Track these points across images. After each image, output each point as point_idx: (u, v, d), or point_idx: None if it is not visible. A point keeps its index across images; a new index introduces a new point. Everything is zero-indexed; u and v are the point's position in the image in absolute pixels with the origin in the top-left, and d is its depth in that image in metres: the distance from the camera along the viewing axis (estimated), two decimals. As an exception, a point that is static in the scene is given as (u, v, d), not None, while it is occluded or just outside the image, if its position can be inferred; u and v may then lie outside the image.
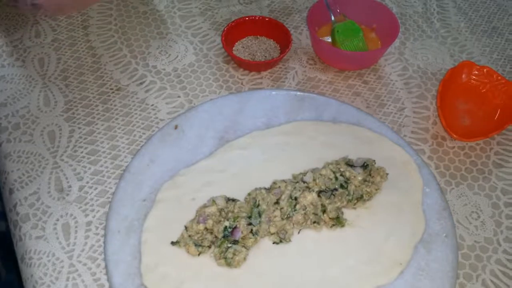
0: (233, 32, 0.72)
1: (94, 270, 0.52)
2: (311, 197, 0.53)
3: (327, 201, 0.53)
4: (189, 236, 0.51)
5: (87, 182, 0.58)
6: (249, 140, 0.61)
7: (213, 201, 0.52)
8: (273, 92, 0.66)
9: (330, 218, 0.53)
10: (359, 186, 0.55)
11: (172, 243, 0.51)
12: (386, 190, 0.56)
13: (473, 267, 0.54)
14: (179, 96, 0.68)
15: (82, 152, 0.61)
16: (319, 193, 0.53)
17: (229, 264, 0.49)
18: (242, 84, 0.70)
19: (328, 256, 0.52)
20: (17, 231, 0.55)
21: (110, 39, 0.74)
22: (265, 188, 0.55)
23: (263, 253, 0.51)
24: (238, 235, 0.50)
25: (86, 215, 0.56)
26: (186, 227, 0.51)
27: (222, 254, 0.50)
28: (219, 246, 0.50)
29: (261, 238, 0.52)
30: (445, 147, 0.64)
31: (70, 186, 0.58)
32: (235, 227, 0.50)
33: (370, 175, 0.56)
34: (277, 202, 0.53)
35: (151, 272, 0.49)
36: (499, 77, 0.67)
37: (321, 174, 0.55)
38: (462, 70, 0.69)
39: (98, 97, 0.67)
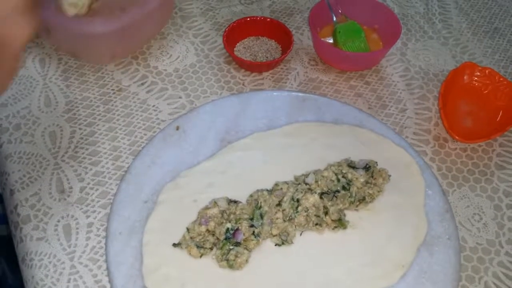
0: (234, 33, 0.72)
1: (95, 271, 0.51)
2: (313, 199, 0.53)
3: (329, 203, 0.53)
4: (191, 238, 0.50)
5: (88, 183, 0.58)
6: (250, 142, 0.60)
7: (214, 202, 0.52)
8: (275, 93, 0.66)
9: (332, 220, 0.53)
10: (361, 188, 0.54)
11: (174, 245, 0.51)
12: (388, 192, 0.56)
13: (476, 270, 0.54)
14: (180, 97, 0.67)
15: (83, 153, 0.61)
16: (321, 195, 0.53)
17: (231, 266, 0.49)
18: (243, 85, 0.69)
19: (330, 258, 0.52)
20: (18, 232, 0.55)
21: (111, 39, 0.74)
22: (267, 190, 0.55)
23: (265, 255, 0.51)
24: (240, 237, 0.50)
25: (87, 217, 0.55)
26: (188, 229, 0.51)
27: (224, 256, 0.49)
28: (221, 248, 0.50)
29: (263, 240, 0.52)
30: (447, 149, 0.64)
31: (71, 187, 0.58)
32: (237, 229, 0.50)
33: (372, 177, 0.56)
34: (279, 204, 0.53)
35: (153, 273, 0.49)
36: (501, 79, 0.67)
37: (323, 176, 0.55)
38: (464, 71, 0.69)
39: (99, 97, 0.66)
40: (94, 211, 0.56)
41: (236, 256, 0.49)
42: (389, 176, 0.56)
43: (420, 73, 0.73)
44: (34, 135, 0.62)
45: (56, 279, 0.51)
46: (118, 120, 0.64)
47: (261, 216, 0.52)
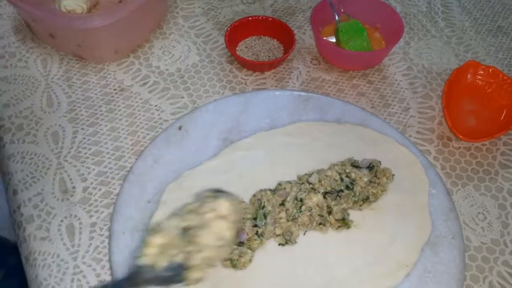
0: (236, 32, 0.72)
1: (98, 271, 0.51)
2: (317, 198, 0.52)
3: (333, 203, 0.53)
4: (194, 237, 0.50)
5: (91, 183, 0.58)
6: (253, 141, 0.60)
7: (218, 202, 0.52)
8: (277, 93, 0.66)
9: (335, 220, 0.52)
10: (365, 187, 0.54)
11: (177, 245, 0.51)
12: (392, 191, 0.56)
13: (480, 269, 0.54)
14: (182, 97, 0.67)
15: (86, 153, 0.61)
16: (325, 194, 0.53)
17: (234, 266, 0.49)
18: (245, 84, 0.69)
19: (334, 258, 0.51)
20: (21, 232, 0.55)
21: (113, 39, 0.74)
22: (270, 190, 0.54)
23: (269, 255, 0.51)
24: (243, 237, 0.50)
25: (91, 216, 0.55)
26: (191, 229, 0.51)
27: (228, 256, 0.49)
28: (225, 248, 0.50)
29: (267, 240, 0.52)
30: (451, 148, 0.64)
31: (74, 187, 0.58)
32: (241, 229, 0.50)
33: (376, 176, 0.55)
34: (282, 204, 0.53)
35: (156, 274, 0.49)
36: (505, 77, 0.67)
37: (326, 175, 0.54)
38: (468, 70, 0.68)
39: (101, 97, 0.66)
40: (97, 211, 0.56)
41: (239, 255, 0.49)
42: (393, 175, 0.56)
43: (423, 72, 0.73)
44: (36, 135, 0.62)
45: (60, 278, 0.51)
46: (120, 120, 0.64)
47: (265, 216, 0.52)
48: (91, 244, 0.53)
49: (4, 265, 0.82)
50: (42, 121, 0.64)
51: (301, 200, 0.52)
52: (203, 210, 0.44)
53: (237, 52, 0.71)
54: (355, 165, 0.56)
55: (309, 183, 0.54)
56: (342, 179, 0.54)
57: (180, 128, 0.61)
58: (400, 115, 0.67)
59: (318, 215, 0.52)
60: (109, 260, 0.51)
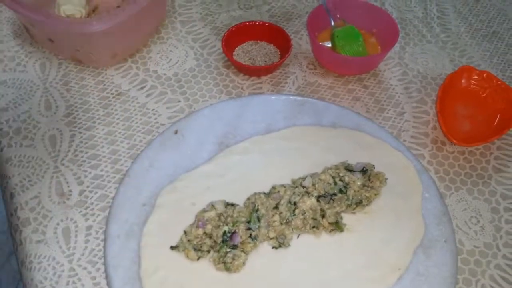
0: (233, 37, 0.72)
1: (94, 274, 0.52)
2: (310, 202, 0.53)
3: (326, 206, 0.53)
4: (188, 240, 0.51)
5: (88, 187, 0.58)
6: (248, 145, 0.61)
7: (212, 205, 0.53)
8: (273, 97, 0.66)
9: (329, 223, 0.53)
10: (358, 191, 0.55)
11: (172, 247, 0.51)
12: (385, 195, 0.57)
13: (473, 272, 0.54)
14: (179, 101, 0.68)
15: (82, 157, 0.61)
16: (318, 198, 0.53)
17: (228, 269, 0.50)
18: (242, 89, 0.70)
19: (327, 261, 0.52)
20: (18, 235, 0.55)
21: (111, 44, 0.75)
22: (264, 193, 0.55)
23: (262, 258, 0.52)
24: (237, 240, 0.50)
25: (87, 220, 0.56)
26: (185, 232, 0.52)
27: (221, 259, 0.50)
28: (218, 251, 0.50)
29: (260, 243, 0.52)
30: (444, 152, 0.64)
31: (70, 191, 0.58)
32: (234, 232, 0.51)
33: (369, 180, 0.56)
34: (276, 207, 0.53)
35: (151, 276, 0.50)
36: (499, 82, 0.67)
37: (320, 179, 0.55)
38: (462, 75, 0.69)
39: (99, 101, 0.67)
40: (93, 214, 0.56)
41: (233, 259, 0.49)
42: (386, 179, 0.56)
43: (418, 77, 0.73)
44: (34, 139, 0.63)
45: (55, 281, 0.51)
46: (117, 124, 0.65)
47: (258, 219, 0.52)
48: (86, 247, 0.54)
49: None
50: (40, 124, 0.64)
51: (295, 203, 0.53)
52: None
53: (234, 57, 0.72)
54: (348, 168, 0.56)
55: (303, 187, 0.55)
56: (335, 183, 0.55)
57: (176, 132, 0.62)
58: (395, 119, 0.68)
59: (312, 218, 0.53)
60: (104, 263, 0.51)
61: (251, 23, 0.74)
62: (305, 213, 0.53)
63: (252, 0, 0.83)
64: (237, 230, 0.51)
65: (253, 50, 0.74)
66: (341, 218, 0.54)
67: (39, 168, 0.60)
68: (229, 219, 0.52)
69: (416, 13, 0.83)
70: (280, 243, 0.52)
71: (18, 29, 0.76)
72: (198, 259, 0.51)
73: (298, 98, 0.67)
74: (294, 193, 0.54)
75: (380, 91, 0.71)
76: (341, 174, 0.55)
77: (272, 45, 0.74)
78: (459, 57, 0.77)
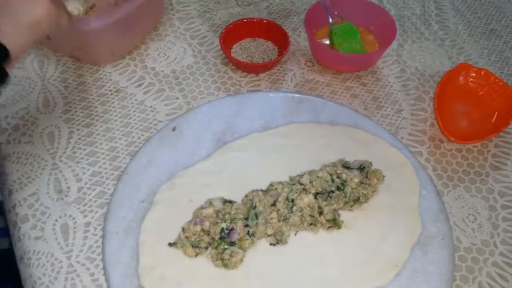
0: (231, 34, 0.72)
1: (92, 270, 0.52)
2: (308, 199, 0.53)
3: (324, 203, 0.53)
4: (186, 237, 0.51)
5: (86, 183, 0.59)
6: (246, 142, 0.61)
7: (210, 202, 0.53)
8: (271, 94, 0.67)
9: (326, 220, 0.53)
10: (355, 188, 0.55)
11: (170, 244, 0.51)
12: (382, 192, 0.57)
13: (470, 270, 0.54)
14: (177, 98, 0.68)
15: (81, 154, 0.61)
16: (316, 195, 0.54)
17: (226, 266, 0.50)
18: (240, 86, 0.70)
19: (325, 258, 0.52)
20: (16, 231, 0.55)
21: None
22: (262, 190, 0.55)
23: (260, 255, 0.52)
24: (234, 237, 0.50)
25: (85, 216, 0.56)
26: (183, 229, 0.52)
27: (219, 256, 0.50)
28: (216, 248, 0.50)
29: (258, 240, 0.53)
30: (442, 149, 0.64)
31: (69, 187, 0.58)
32: (232, 229, 0.51)
33: (366, 177, 0.56)
34: (274, 204, 0.54)
35: (149, 273, 0.50)
36: (497, 79, 0.68)
37: (317, 176, 0.55)
38: (460, 72, 0.69)
39: (97, 98, 0.67)
40: (92, 211, 0.56)
41: (231, 255, 0.50)
42: (384, 176, 0.56)
43: (416, 74, 0.73)
44: (32, 136, 0.63)
45: (54, 277, 0.51)
46: (115, 121, 0.65)
47: (256, 216, 0.52)
48: (85, 243, 0.54)
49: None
50: (38, 121, 0.64)
51: (293, 200, 0.53)
52: None
53: (232, 54, 0.72)
54: (346, 166, 0.56)
55: (301, 184, 0.55)
56: (333, 180, 0.55)
57: (174, 129, 0.62)
58: (393, 117, 0.68)
59: (309, 215, 0.53)
60: (103, 260, 0.51)
61: (249, 20, 0.74)
62: (302, 210, 0.53)
63: (250, -3, 0.83)
64: (235, 227, 0.51)
65: (251, 47, 0.74)
66: (339, 215, 0.54)
67: (37, 165, 0.60)
68: (227, 216, 0.52)
69: (414, 10, 0.83)
70: (278, 240, 0.52)
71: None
72: (196, 255, 0.51)
73: (296, 95, 0.67)
74: (291, 190, 0.54)
75: (378, 88, 0.71)
76: (338, 172, 0.56)
77: (270, 42, 0.74)
78: (457, 54, 0.77)
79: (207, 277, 0.50)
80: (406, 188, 0.57)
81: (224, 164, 0.59)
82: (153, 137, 0.61)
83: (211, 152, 0.60)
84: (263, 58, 0.72)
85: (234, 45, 0.74)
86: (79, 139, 0.63)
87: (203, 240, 0.51)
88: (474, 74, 0.69)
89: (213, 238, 0.51)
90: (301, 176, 0.56)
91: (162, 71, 0.71)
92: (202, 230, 0.51)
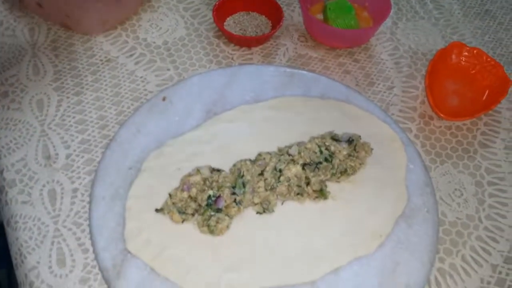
0: (224, 7, 0.72)
1: (78, 235, 0.52)
2: (296, 169, 0.53)
3: (311, 174, 0.53)
4: (173, 203, 0.51)
5: (74, 150, 0.58)
6: (236, 113, 0.61)
7: (197, 170, 0.53)
8: (263, 67, 0.66)
9: (313, 191, 0.53)
10: (343, 160, 0.55)
11: (156, 210, 0.52)
12: (370, 166, 0.57)
13: (454, 243, 0.55)
14: (168, 69, 0.68)
15: (70, 121, 0.61)
16: (304, 165, 0.54)
17: (212, 232, 0.50)
18: (232, 59, 0.70)
19: (310, 227, 0.52)
20: (4, 196, 0.55)
21: (101, 11, 0.74)
22: (250, 160, 0.55)
23: (246, 222, 0.52)
24: (221, 204, 0.51)
25: (73, 182, 0.56)
26: (170, 195, 0.52)
27: (205, 222, 0.50)
28: (202, 214, 0.50)
29: (245, 208, 0.53)
30: (431, 126, 0.65)
31: (57, 154, 0.58)
32: (219, 196, 0.51)
33: (355, 150, 0.56)
34: (261, 174, 0.54)
35: (135, 237, 0.50)
36: (489, 59, 0.68)
37: (306, 148, 0.55)
38: (452, 50, 0.69)
39: (87, 67, 0.67)
40: (79, 177, 0.56)
41: (217, 222, 0.50)
42: (372, 149, 0.57)
43: (409, 52, 0.73)
44: (21, 102, 0.62)
45: (40, 241, 0.52)
46: (105, 90, 0.64)
47: (243, 185, 0.52)
48: (72, 209, 0.54)
49: None
50: (27, 89, 0.64)
51: (280, 170, 0.53)
52: None
53: (225, 27, 0.72)
54: (335, 138, 0.56)
55: (289, 155, 0.55)
56: (321, 152, 0.55)
57: (164, 99, 0.61)
58: (384, 93, 0.68)
59: (296, 185, 0.53)
60: (89, 225, 0.52)
61: (243, -7, 0.73)
62: (290, 180, 0.53)
63: (245, -28, 0.82)
64: (221, 195, 0.51)
65: (244, 20, 0.73)
66: (326, 186, 0.54)
67: (26, 131, 0.60)
68: (214, 184, 0.52)
69: (410, -11, 0.83)
70: (265, 208, 0.52)
71: (7, -7, 0.75)
72: (182, 221, 0.51)
73: (288, 69, 0.66)
74: (279, 160, 0.54)
75: (370, 65, 0.71)
76: (327, 144, 0.56)
77: (263, 16, 0.74)
78: (451, 34, 0.76)
79: (193, 243, 0.50)
80: (394, 162, 0.58)
81: (214, 134, 0.59)
82: (143, 106, 0.61)
83: (200, 122, 0.60)
84: (256, 32, 0.72)
85: (228, 18, 0.73)
86: (69, 107, 0.62)
87: (190, 206, 0.51)
88: (466, 53, 0.69)
89: (199, 205, 0.51)
90: (290, 147, 0.56)
91: (154, 42, 0.71)
92: (189, 196, 0.51)
